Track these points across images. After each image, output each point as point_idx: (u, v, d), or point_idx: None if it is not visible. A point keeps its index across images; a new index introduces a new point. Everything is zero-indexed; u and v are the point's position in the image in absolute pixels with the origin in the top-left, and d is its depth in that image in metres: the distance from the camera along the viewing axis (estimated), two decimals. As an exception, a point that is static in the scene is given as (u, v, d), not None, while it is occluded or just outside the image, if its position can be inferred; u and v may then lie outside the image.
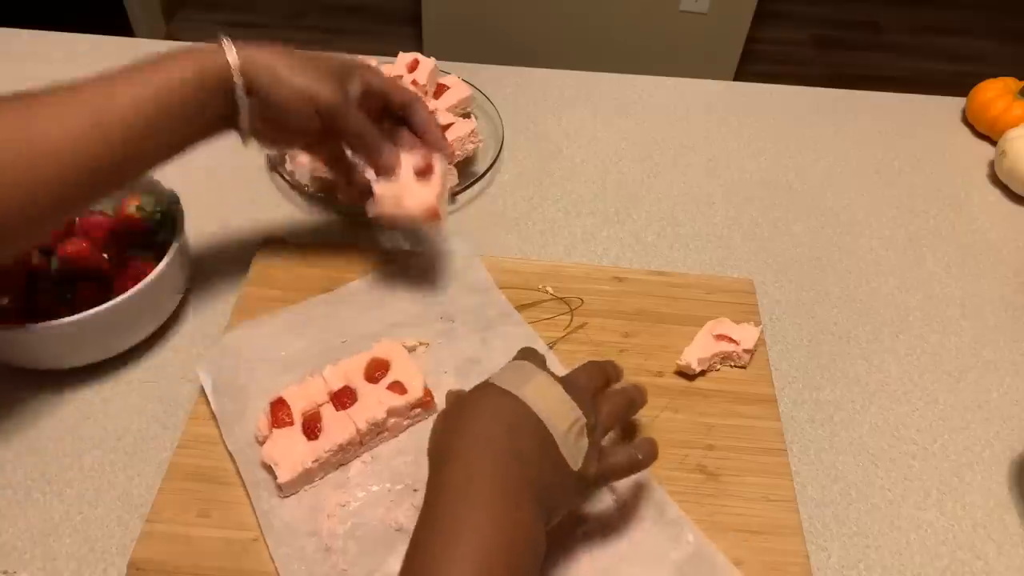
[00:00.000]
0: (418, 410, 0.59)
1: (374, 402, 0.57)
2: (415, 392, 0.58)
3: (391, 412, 0.57)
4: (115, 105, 0.51)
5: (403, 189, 0.62)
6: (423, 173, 0.63)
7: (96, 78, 0.51)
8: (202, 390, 0.60)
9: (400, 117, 0.64)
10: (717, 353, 0.64)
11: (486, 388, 0.48)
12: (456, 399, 0.50)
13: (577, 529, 0.53)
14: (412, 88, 0.65)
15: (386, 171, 0.62)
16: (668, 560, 0.52)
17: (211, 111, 0.55)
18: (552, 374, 0.49)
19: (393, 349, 0.60)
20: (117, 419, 0.60)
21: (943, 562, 0.56)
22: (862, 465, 0.61)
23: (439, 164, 0.63)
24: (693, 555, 0.53)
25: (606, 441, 0.51)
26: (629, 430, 0.60)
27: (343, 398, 0.57)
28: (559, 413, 0.46)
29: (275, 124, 0.58)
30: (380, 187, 0.63)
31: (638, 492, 0.55)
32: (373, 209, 0.63)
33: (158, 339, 0.66)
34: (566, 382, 0.49)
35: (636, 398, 0.54)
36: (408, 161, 0.63)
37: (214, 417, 0.58)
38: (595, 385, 0.52)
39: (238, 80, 0.54)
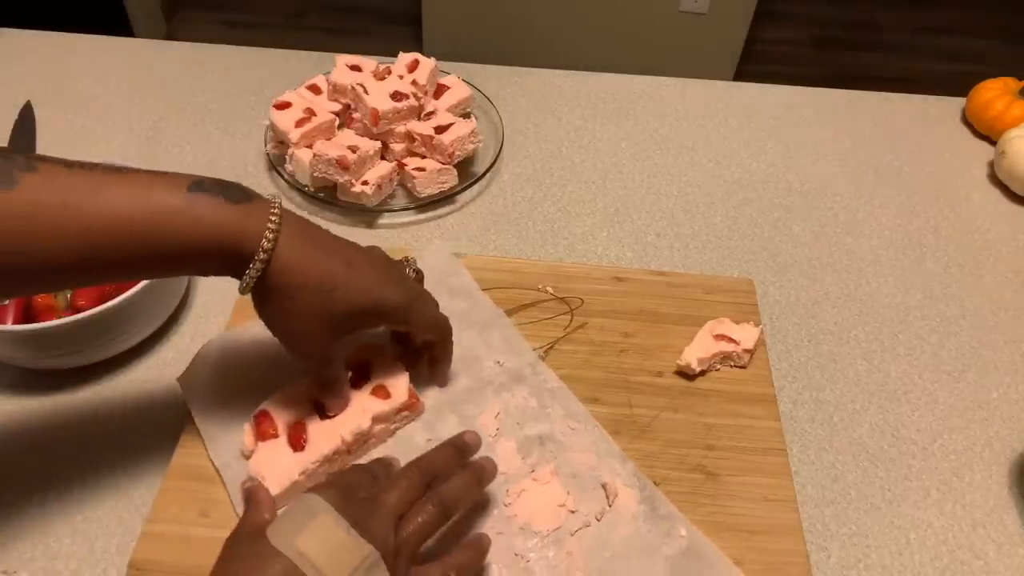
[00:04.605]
0: (404, 413, 0.58)
1: (358, 411, 0.56)
2: (399, 396, 0.57)
3: (376, 419, 0.56)
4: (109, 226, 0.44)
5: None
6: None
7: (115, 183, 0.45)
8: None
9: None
10: (717, 353, 0.64)
11: (257, 547, 0.43)
12: (222, 568, 0.44)
13: (570, 528, 0.53)
14: (440, 332, 0.59)
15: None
16: (661, 555, 0.53)
17: (213, 273, 0.49)
18: (352, 501, 0.45)
19: (374, 350, 0.59)
20: (117, 419, 0.60)
21: (943, 562, 0.56)
22: (862, 465, 0.61)
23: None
24: (687, 549, 0.53)
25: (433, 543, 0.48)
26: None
27: (324, 415, 0.56)
28: (337, 561, 0.42)
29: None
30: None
31: (628, 489, 0.56)
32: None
33: (158, 339, 0.66)
34: (369, 507, 0.45)
35: (455, 500, 0.49)
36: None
37: (199, 434, 0.57)
38: (411, 497, 0.48)
39: (246, 287, 0.48)
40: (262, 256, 0.47)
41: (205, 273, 0.49)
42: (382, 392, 0.57)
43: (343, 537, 0.43)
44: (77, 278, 0.47)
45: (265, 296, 0.49)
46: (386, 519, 0.46)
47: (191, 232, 0.45)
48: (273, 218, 0.47)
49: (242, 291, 0.48)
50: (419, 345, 0.60)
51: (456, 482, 0.50)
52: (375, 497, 0.47)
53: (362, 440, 0.56)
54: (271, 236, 0.47)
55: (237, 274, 0.48)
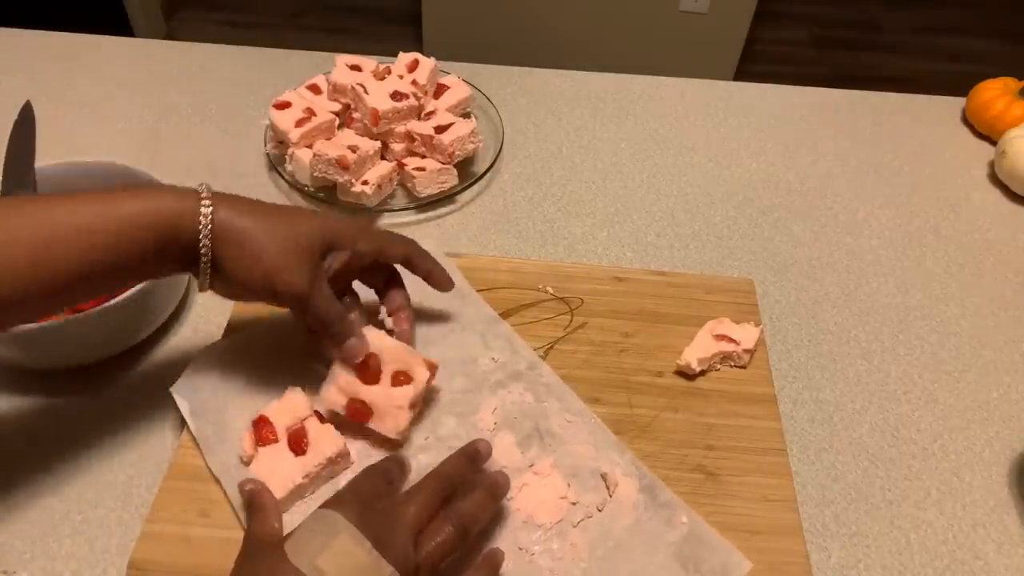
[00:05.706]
0: (432, 383, 0.57)
1: (391, 409, 0.55)
2: (420, 375, 0.55)
3: (413, 404, 0.55)
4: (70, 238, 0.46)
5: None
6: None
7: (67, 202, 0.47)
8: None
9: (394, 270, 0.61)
10: (717, 353, 0.64)
11: (274, 563, 0.43)
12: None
13: (572, 520, 0.54)
14: (405, 246, 0.59)
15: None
16: (664, 542, 0.53)
17: (168, 268, 0.52)
18: (371, 515, 0.45)
19: (372, 337, 0.57)
20: (117, 419, 0.60)
21: (943, 562, 0.56)
22: (862, 465, 0.61)
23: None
24: (689, 535, 0.53)
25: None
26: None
27: (359, 416, 0.55)
28: None
29: (238, 294, 0.55)
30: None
31: (627, 478, 0.56)
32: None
33: (158, 339, 0.66)
34: (388, 521, 0.46)
35: (473, 520, 0.49)
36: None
37: (195, 442, 0.57)
38: (429, 512, 0.48)
39: (205, 253, 0.50)
40: (204, 212, 0.49)
41: (159, 270, 0.52)
42: (404, 378, 0.56)
43: (364, 558, 0.43)
44: (38, 308, 0.48)
45: (223, 261, 0.50)
46: (405, 534, 0.46)
47: (139, 212, 0.48)
48: (203, 195, 0.50)
49: (202, 287, 0.52)
50: (399, 264, 0.60)
51: (472, 501, 0.50)
52: (394, 510, 0.47)
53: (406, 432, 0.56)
54: (207, 203, 0.49)
55: (188, 265, 0.51)
